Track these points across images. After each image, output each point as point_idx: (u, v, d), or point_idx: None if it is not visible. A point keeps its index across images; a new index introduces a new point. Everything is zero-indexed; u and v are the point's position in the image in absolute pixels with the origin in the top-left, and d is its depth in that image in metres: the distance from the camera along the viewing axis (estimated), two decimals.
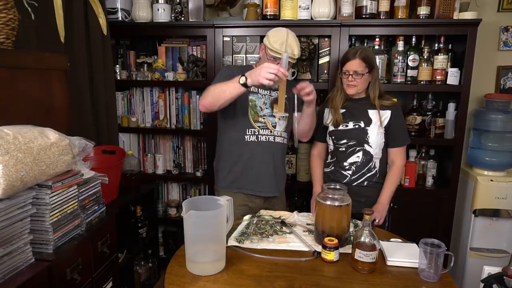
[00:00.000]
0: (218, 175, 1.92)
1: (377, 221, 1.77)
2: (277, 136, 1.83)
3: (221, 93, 1.61)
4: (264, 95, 1.82)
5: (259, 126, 1.80)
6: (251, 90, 1.79)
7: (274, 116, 1.82)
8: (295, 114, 1.75)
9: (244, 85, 1.54)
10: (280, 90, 1.53)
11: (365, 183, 1.82)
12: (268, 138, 1.81)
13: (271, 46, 1.71)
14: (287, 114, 1.76)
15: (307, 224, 1.66)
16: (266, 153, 1.81)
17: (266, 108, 1.81)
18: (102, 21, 2.12)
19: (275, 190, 1.88)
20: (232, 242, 1.45)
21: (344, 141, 1.82)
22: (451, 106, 2.30)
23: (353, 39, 2.43)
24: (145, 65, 2.64)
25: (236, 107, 1.77)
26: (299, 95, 1.69)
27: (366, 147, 1.80)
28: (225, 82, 1.62)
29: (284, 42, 1.69)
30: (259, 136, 1.80)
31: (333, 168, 1.88)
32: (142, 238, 2.26)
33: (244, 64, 2.38)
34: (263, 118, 1.81)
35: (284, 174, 1.98)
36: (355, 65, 1.74)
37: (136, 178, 2.19)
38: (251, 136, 1.79)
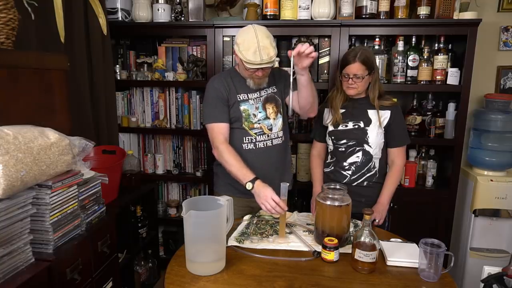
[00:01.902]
0: (218, 179, 1.90)
1: (377, 221, 1.77)
2: (274, 138, 1.81)
3: (229, 170, 1.66)
4: (255, 98, 1.77)
5: (255, 133, 1.77)
6: (242, 98, 1.75)
7: (268, 118, 1.79)
8: (291, 94, 1.63)
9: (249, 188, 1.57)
10: (281, 221, 1.53)
11: (365, 183, 1.82)
12: (266, 144, 1.78)
13: (244, 58, 1.57)
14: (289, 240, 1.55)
15: (307, 224, 1.66)
16: (265, 159, 1.79)
17: (260, 112, 1.77)
18: (102, 21, 2.12)
19: (277, 193, 1.87)
20: (232, 242, 1.45)
21: (344, 141, 1.82)
22: (451, 106, 2.30)
23: (353, 39, 2.43)
24: (145, 65, 2.64)
25: (231, 120, 1.75)
26: (297, 65, 1.56)
27: (366, 147, 1.80)
28: (237, 167, 1.61)
29: (256, 50, 1.54)
30: (257, 143, 1.77)
31: (333, 168, 1.88)
32: (142, 238, 2.26)
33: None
34: (258, 124, 1.78)
35: (289, 173, 1.93)
36: (355, 68, 1.73)
37: (136, 178, 2.19)
38: (249, 144, 1.77)
